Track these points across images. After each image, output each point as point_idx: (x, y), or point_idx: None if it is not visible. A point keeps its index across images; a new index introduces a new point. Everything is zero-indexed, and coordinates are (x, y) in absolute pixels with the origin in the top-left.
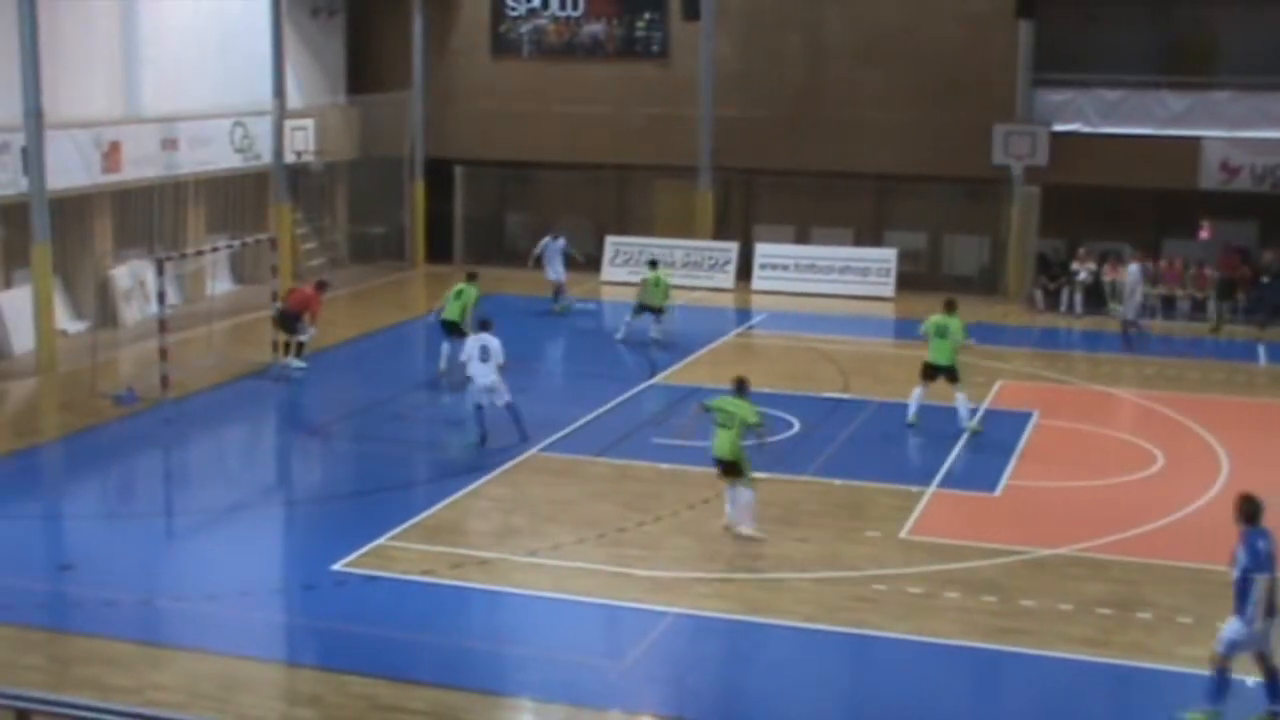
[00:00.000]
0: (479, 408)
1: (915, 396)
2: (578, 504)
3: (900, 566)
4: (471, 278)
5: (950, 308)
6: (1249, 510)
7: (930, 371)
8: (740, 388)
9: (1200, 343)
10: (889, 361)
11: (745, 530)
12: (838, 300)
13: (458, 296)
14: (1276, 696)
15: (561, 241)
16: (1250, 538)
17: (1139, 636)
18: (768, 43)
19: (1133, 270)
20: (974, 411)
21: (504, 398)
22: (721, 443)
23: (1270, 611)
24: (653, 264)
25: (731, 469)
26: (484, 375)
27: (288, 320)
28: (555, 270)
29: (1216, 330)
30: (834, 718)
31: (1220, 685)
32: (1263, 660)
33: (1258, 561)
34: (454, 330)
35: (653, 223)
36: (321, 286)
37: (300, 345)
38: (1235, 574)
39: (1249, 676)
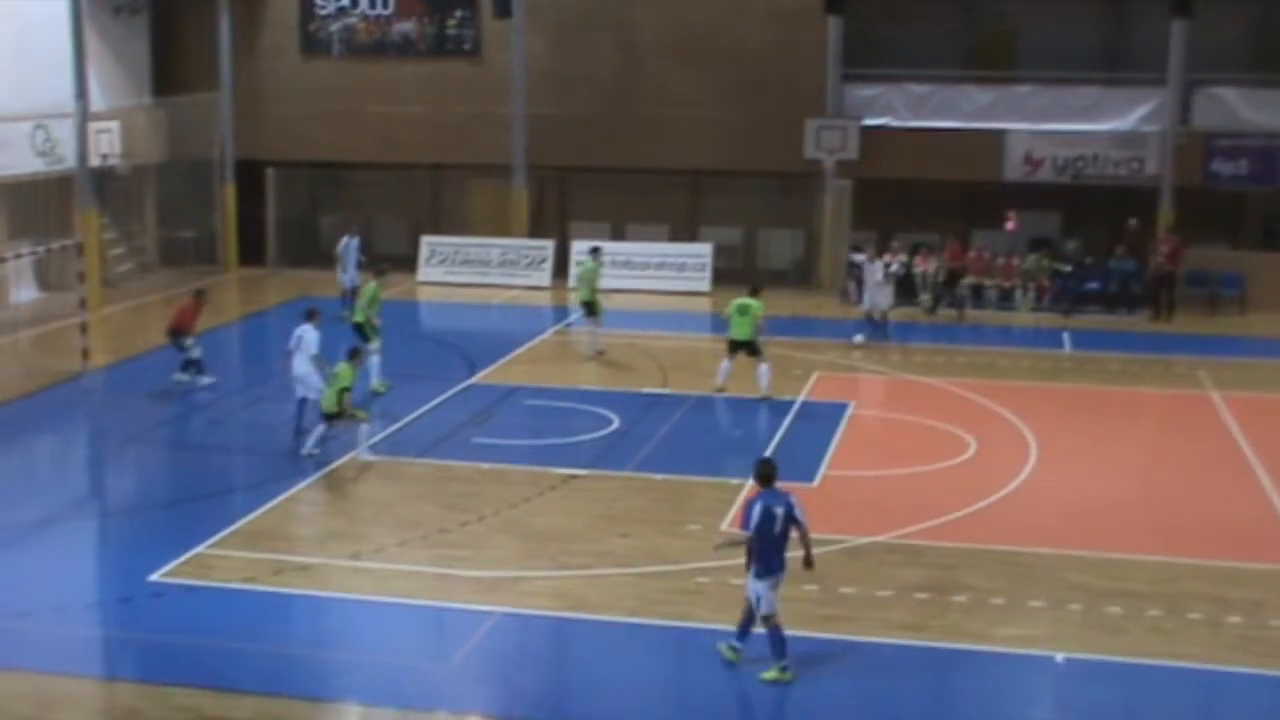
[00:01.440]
0: (301, 401)
1: (723, 368)
2: (399, 505)
3: (723, 560)
4: (380, 274)
5: (754, 292)
6: (761, 473)
7: (734, 347)
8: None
9: (1009, 331)
10: (707, 355)
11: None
12: (655, 296)
13: (371, 303)
14: (744, 636)
15: (357, 240)
16: (751, 502)
17: (956, 619)
18: (580, 41)
19: (880, 265)
20: (767, 381)
21: (314, 392)
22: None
23: (763, 570)
24: (595, 251)
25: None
26: (298, 366)
27: (176, 338)
28: (350, 274)
29: (932, 313)
30: (658, 711)
31: (776, 640)
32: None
33: (747, 523)
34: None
35: (469, 222)
36: (199, 295)
37: (195, 362)
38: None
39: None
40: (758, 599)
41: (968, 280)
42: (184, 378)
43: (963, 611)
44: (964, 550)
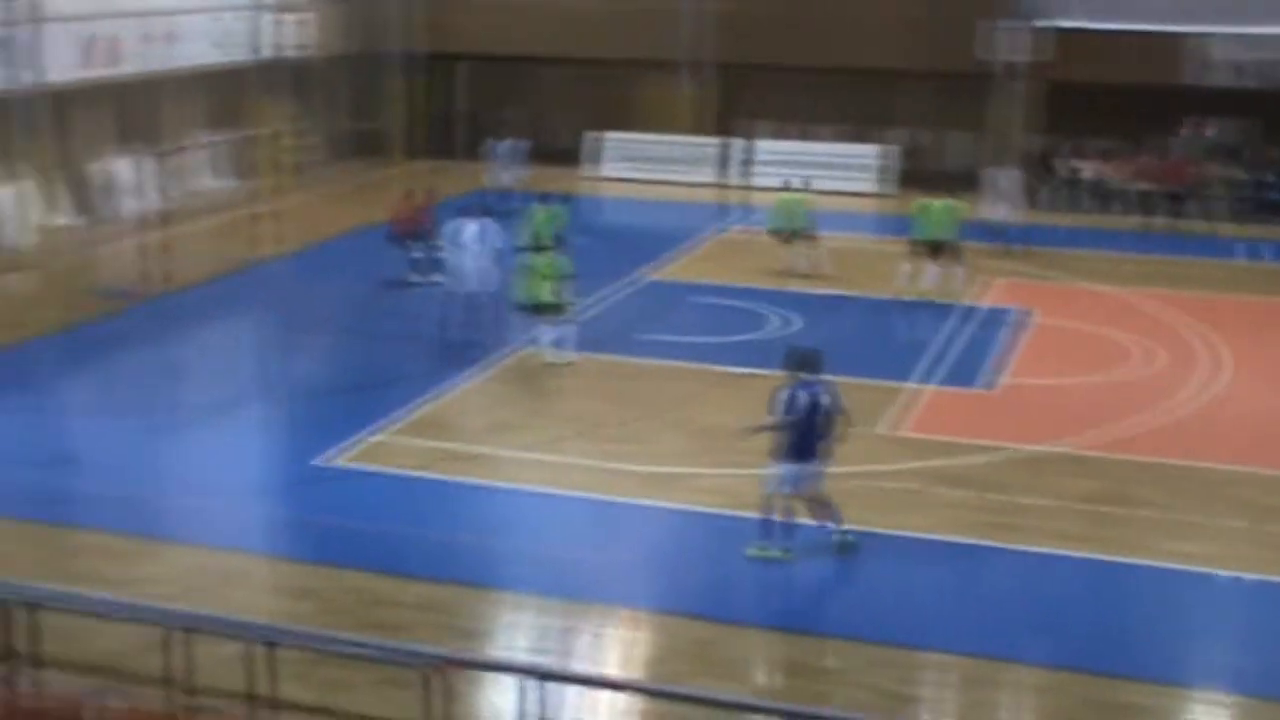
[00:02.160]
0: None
1: (904, 272)
2: (570, 399)
3: (892, 463)
4: (545, 199)
5: (943, 192)
6: (796, 361)
7: (932, 249)
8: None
9: (1207, 240)
10: (886, 258)
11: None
12: (834, 197)
13: (548, 218)
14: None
15: (520, 145)
16: (793, 390)
17: (1126, 533)
18: None
19: (1014, 175)
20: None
21: (491, 286)
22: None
23: (797, 455)
24: (787, 185)
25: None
26: (471, 260)
27: (401, 241)
28: (507, 174)
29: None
30: (820, 610)
31: (766, 525)
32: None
33: (787, 409)
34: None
35: (646, 118)
36: (409, 196)
37: (415, 260)
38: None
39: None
40: (778, 480)
41: (1161, 189)
42: (419, 278)
43: (1134, 525)
44: (1140, 463)
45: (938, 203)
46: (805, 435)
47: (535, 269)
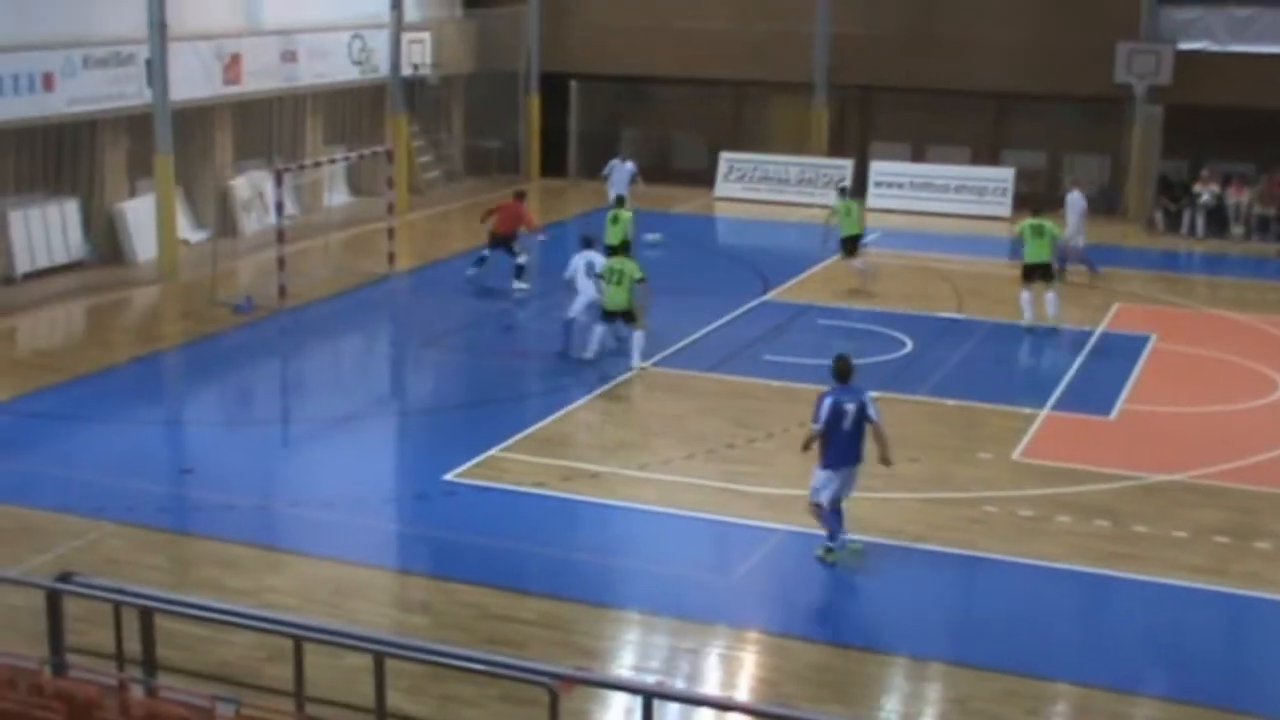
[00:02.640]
0: (572, 321)
1: (1024, 301)
2: (688, 419)
3: (1012, 489)
4: (620, 202)
5: (1036, 212)
6: (836, 369)
7: (1030, 272)
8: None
9: None
10: (1004, 282)
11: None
12: (953, 220)
13: (614, 221)
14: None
15: (630, 165)
16: (822, 397)
17: (1256, 566)
18: None
19: (1075, 198)
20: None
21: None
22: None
23: (834, 461)
24: (843, 190)
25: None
26: (588, 291)
27: (502, 242)
28: (621, 191)
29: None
30: (942, 637)
31: (830, 524)
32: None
33: (817, 416)
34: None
35: (768, 139)
36: (520, 196)
37: (520, 268)
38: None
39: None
40: (816, 487)
41: None
42: (523, 285)
43: (1264, 558)
44: (1269, 494)
45: (1028, 223)
46: (834, 442)
47: (604, 275)
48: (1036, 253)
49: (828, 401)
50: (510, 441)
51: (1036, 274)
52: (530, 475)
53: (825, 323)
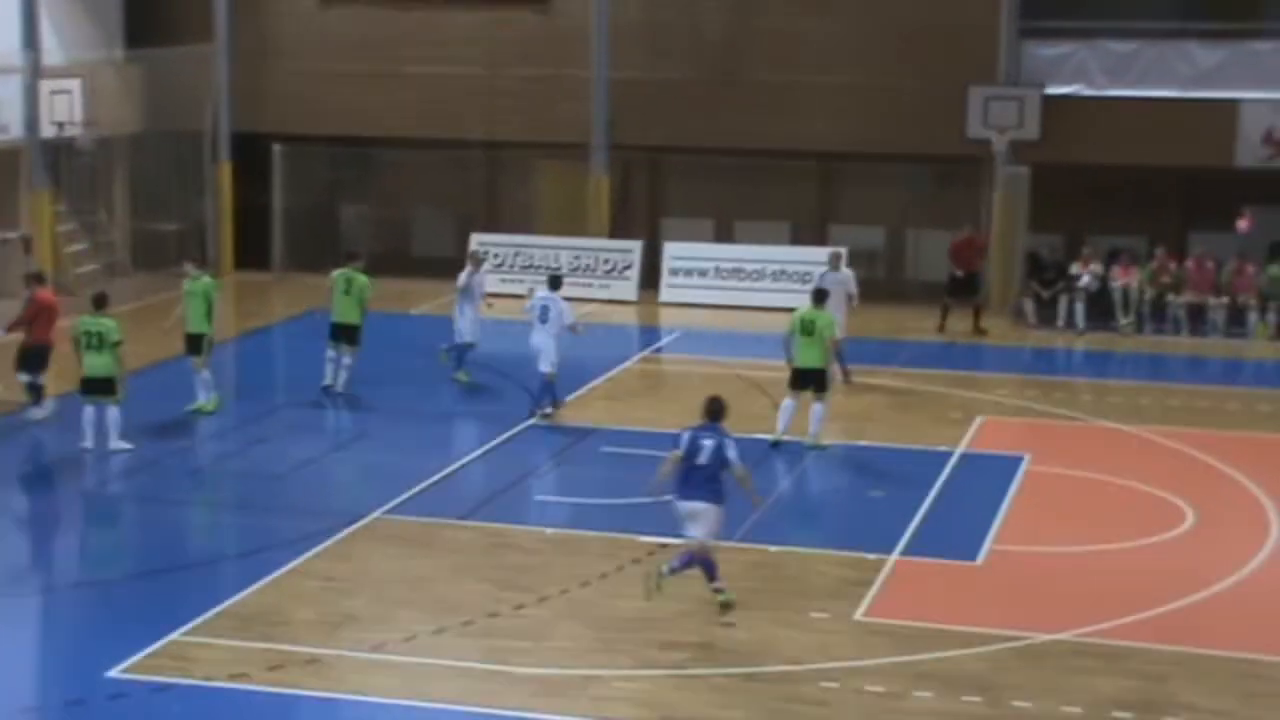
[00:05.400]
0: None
1: (784, 409)
2: (436, 582)
3: (856, 658)
4: (352, 258)
5: (819, 299)
6: (706, 409)
7: (798, 379)
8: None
9: (1240, 365)
10: (838, 391)
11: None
12: (769, 314)
13: (347, 290)
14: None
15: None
16: (683, 430)
17: None
18: None
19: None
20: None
21: (546, 367)
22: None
23: (680, 493)
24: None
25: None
26: (538, 339)
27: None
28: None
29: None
30: None
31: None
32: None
33: (677, 444)
34: (347, 336)
35: (533, 216)
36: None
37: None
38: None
39: None
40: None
41: (1184, 298)
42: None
43: None
44: (1180, 655)
45: (800, 313)
46: (685, 474)
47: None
48: (805, 356)
49: (686, 434)
50: (198, 621)
51: (807, 381)
52: (226, 665)
53: (612, 450)
